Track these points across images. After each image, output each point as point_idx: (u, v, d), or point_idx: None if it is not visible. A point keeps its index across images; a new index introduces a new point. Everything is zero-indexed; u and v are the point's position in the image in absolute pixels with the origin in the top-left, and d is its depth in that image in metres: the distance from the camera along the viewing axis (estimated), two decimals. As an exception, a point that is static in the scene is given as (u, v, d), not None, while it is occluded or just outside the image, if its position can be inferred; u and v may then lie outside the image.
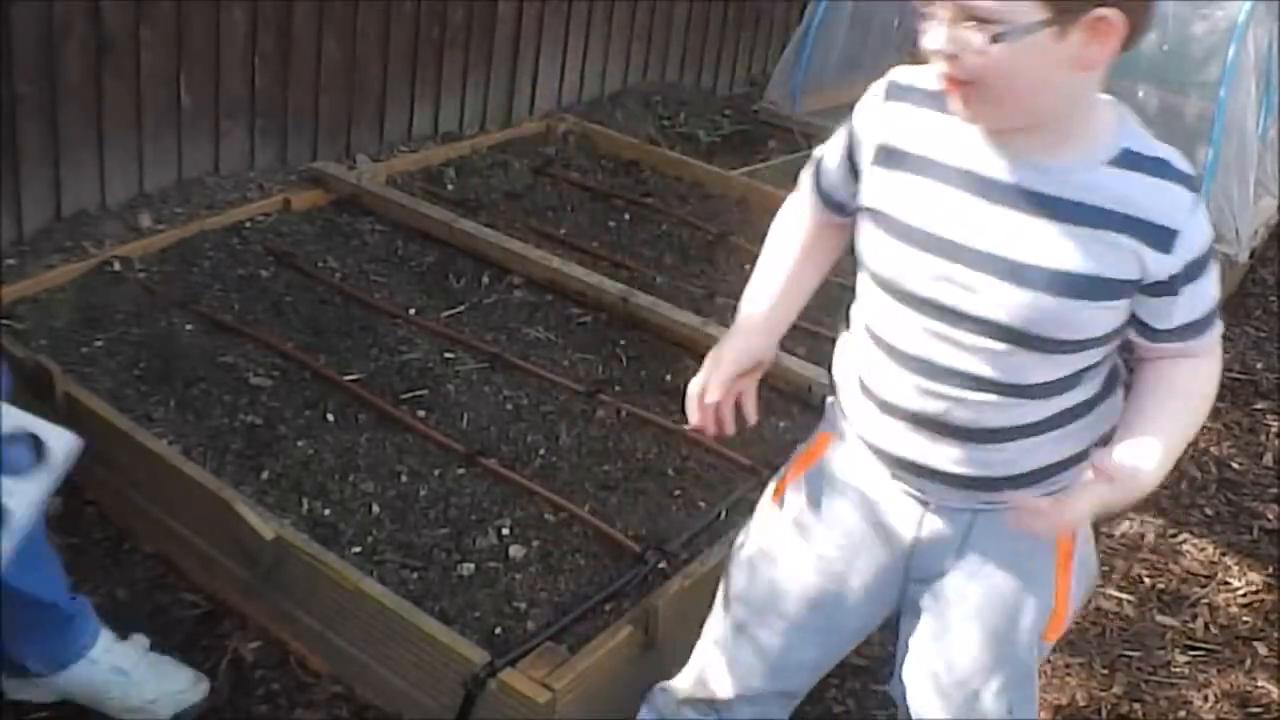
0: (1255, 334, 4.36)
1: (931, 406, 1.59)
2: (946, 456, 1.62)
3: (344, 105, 4.13)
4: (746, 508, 2.54)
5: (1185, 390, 1.63)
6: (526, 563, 2.32)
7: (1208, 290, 1.56)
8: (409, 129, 4.38)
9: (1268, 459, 3.59)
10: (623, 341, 3.11)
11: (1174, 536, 3.18)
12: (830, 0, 5.22)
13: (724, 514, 2.52)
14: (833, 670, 2.56)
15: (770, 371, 2.95)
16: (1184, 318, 1.56)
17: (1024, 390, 1.58)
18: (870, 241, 1.62)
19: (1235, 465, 3.53)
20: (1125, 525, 3.19)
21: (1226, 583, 3.03)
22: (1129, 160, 1.51)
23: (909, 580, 1.75)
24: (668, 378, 2.97)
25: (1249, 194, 4.42)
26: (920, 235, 1.55)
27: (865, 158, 1.66)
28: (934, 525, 1.69)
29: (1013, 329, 1.52)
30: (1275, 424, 3.78)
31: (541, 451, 2.64)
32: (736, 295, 3.38)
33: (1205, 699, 2.65)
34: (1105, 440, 1.64)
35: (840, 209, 1.74)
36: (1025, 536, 1.59)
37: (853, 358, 1.70)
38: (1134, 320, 1.57)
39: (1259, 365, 4.13)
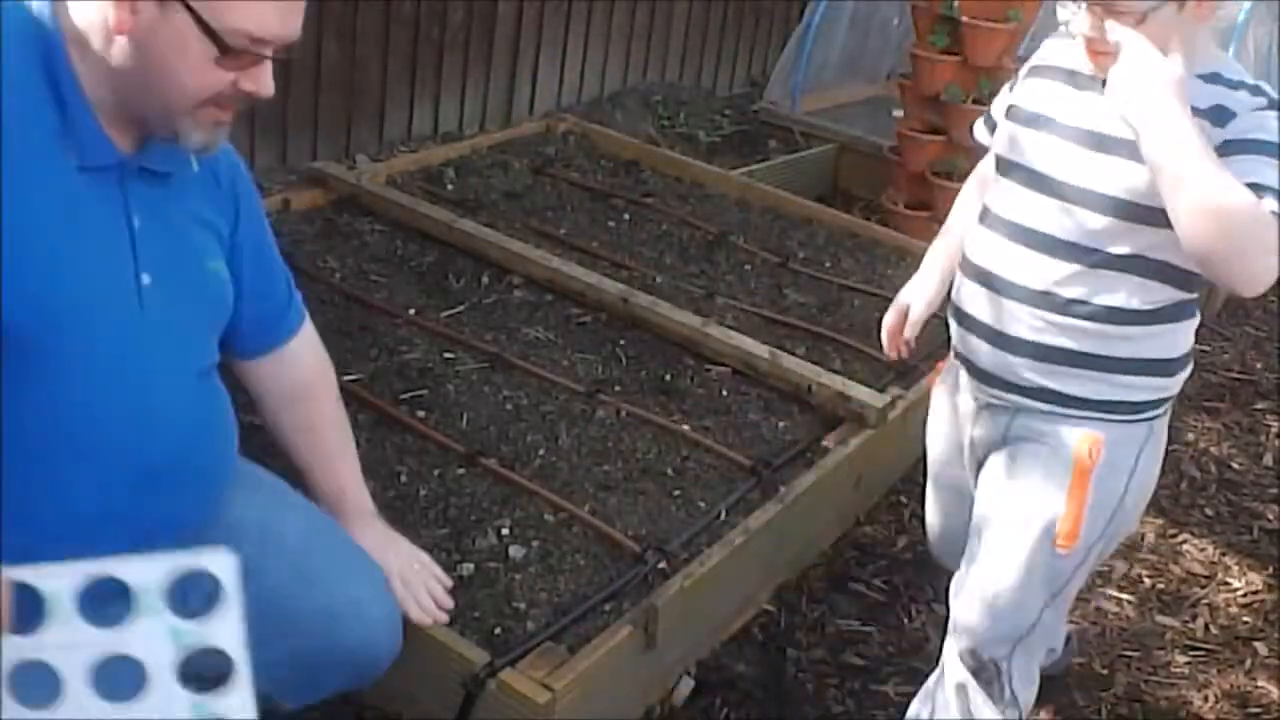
0: (1255, 334, 4.37)
1: (1005, 266, 1.93)
2: (1008, 321, 1.94)
3: (344, 105, 4.13)
4: (746, 508, 2.54)
5: (1210, 159, 1.66)
6: (526, 563, 2.31)
7: (1264, 169, 1.67)
8: (409, 129, 4.39)
9: (1268, 459, 3.59)
10: (622, 341, 3.11)
11: (1174, 537, 3.18)
12: (830, 0, 5.23)
13: (724, 514, 2.52)
14: (833, 670, 2.57)
15: (770, 371, 2.97)
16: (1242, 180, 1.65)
17: (1106, 260, 1.83)
18: (1006, 131, 1.99)
19: (1235, 465, 3.53)
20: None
21: (1226, 583, 3.03)
22: (1214, 78, 1.77)
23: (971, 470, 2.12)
24: (667, 378, 2.97)
25: (1249, 194, 4.43)
26: (1050, 120, 1.89)
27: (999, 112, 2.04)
28: (986, 423, 2.04)
29: (1118, 199, 1.80)
30: (1275, 424, 3.78)
31: (541, 451, 2.63)
32: (736, 295, 3.41)
33: (1205, 699, 2.65)
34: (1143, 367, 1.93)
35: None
36: (1053, 446, 1.93)
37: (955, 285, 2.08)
38: None
39: (1259, 365, 4.14)
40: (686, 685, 2.44)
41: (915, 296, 2.22)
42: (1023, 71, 2.04)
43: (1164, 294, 1.87)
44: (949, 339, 2.12)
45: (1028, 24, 4.31)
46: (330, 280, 3.20)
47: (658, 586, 2.28)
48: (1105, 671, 2.69)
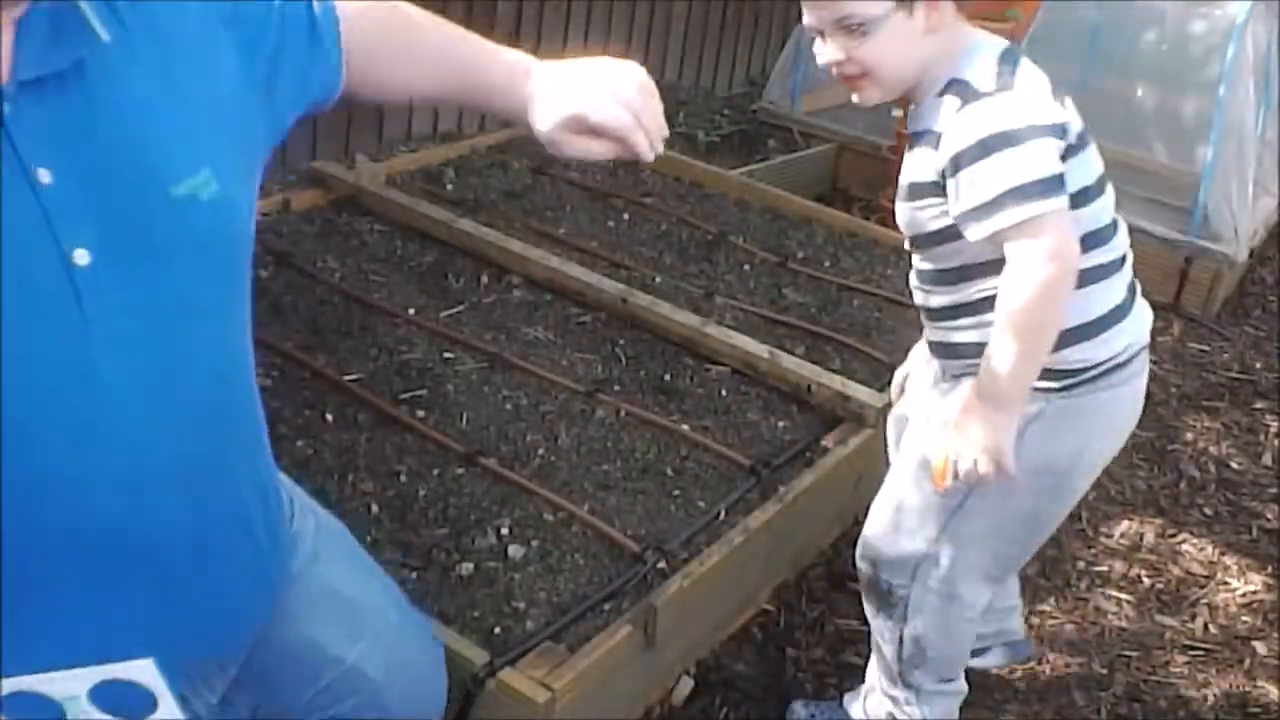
0: (1254, 334, 4.37)
1: (917, 295, 2.09)
2: (929, 329, 2.10)
3: (343, 105, 4.12)
4: (745, 507, 2.54)
5: (998, 314, 1.84)
6: (525, 562, 2.31)
7: (985, 179, 1.77)
8: (408, 129, 4.38)
9: (1267, 459, 3.59)
10: (622, 341, 3.11)
11: (1173, 537, 3.18)
12: (829, 0, 5.22)
13: (723, 514, 2.52)
14: (832, 669, 2.57)
15: (769, 371, 2.97)
16: (965, 204, 1.80)
17: (933, 277, 1.99)
18: None
19: (1234, 465, 3.53)
20: (1124, 525, 3.19)
21: (1226, 583, 3.03)
22: (950, 87, 1.84)
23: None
24: (667, 377, 2.97)
25: (1248, 193, 4.43)
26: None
27: None
28: (921, 388, 2.21)
29: (907, 235, 2.00)
30: (1274, 424, 3.78)
31: (540, 451, 2.63)
32: (735, 294, 3.41)
33: (1205, 699, 2.65)
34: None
35: None
36: (952, 393, 2.03)
37: None
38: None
39: (1258, 365, 4.14)
40: (686, 685, 2.44)
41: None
42: None
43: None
44: None
45: (1027, 23, 4.30)
46: (330, 280, 3.20)
47: (657, 586, 2.28)
48: (1105, 671, 2.69)
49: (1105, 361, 1.94)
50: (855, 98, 1.95)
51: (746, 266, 3.63)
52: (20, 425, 1.05)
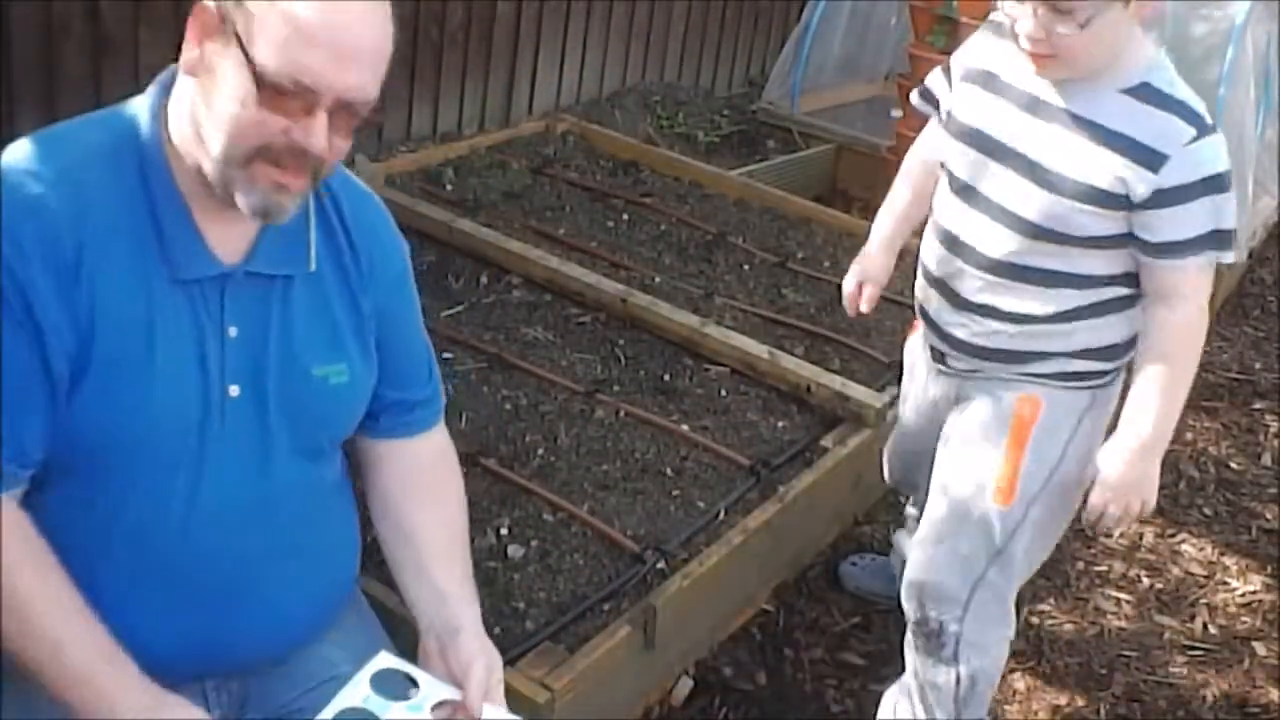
0: (1254, 334, 4.37)
1: (957, 282, 2.00)
2: (956, 322, 2.03)
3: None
4: (745, 507, 2.54)
5: (1162, 347, 1.88)
6: (525, 562, 2.31)
7: (1197, 218, 1.78)
8: (407, 129, 4.38)
9: (1266, 459, 3.59)
10: (621, 341, 3.11)
11: (1172, 537, 3.18)
12: (828, 0, 5.23)
13: (722, 513, 2.52)
14: (831, 669, 2.57)
15: (769, 371, 2.97)
16: (1169, 235, 1.79)
17: (1038, 278, 1.92)
18: (950, 144, 2.03)
19: (1234, 465, 3.53)
20: (1123, 525, 3.19)
21: (1225, 583, 3.03)
22: (1144, 92, 1.79)
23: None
24: (666, 377, 2.97)
25: (1247, 194, 4.43)
26: (976, 133, 1.96)
27: (959, 73, 2.06)
28: (943, 383, 2.15)
29: (1031, 221, 1.88)
30: (1274, 424, 3.78)
31: (540, 451, 2.63)
32: (734, 295, 3.41)
33: (1204, 699, 2.65)
34: (1079, 354, 2.00)
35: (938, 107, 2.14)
36: (994, 407, 2.03)
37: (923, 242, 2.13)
38: (1131, 234, 1.84)
39: (1257, 365, 4.14)
40: (685, 685, 2.44)
41: (871, 275, 2.27)
42: (982, 38, 2.06)
43: (1109, 280, 1.95)
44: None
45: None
46: (329, 280, 3.20)
47: (656, 586, 2.28)
48: (1104, 671, 2.69)
49: (1129, 358, 2.02)
50: (1038, 70, 1.86)
51: (746, 267, 3.63)
52: (145, 492, 1.42)
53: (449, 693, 1.49)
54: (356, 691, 1.46)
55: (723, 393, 2.95)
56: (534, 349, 3.02)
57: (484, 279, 3.32)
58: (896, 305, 3.37)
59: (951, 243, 2.02)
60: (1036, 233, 1.89)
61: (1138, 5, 1.77)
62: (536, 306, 3.22)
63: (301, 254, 1.51)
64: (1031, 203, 1.88)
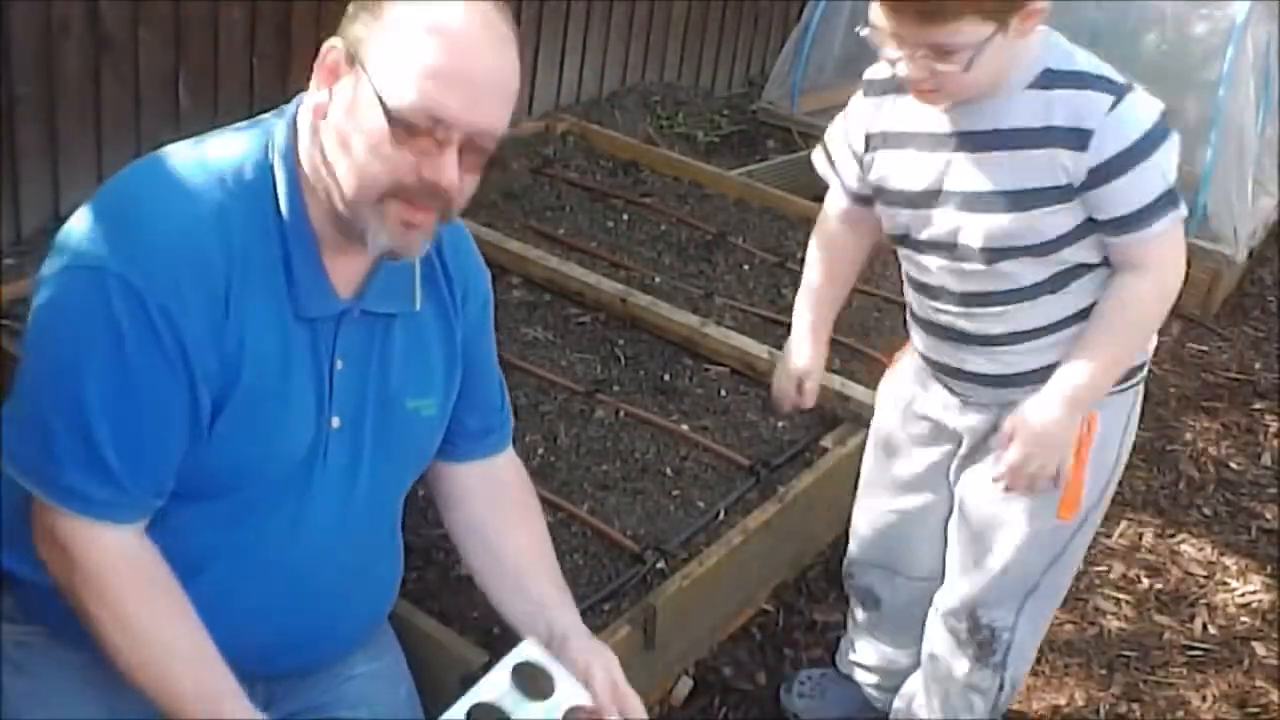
0: (1254, 334, 4.36)
1: (944, 320, 1.93)
2: (969, 359, 1.94)
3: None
4: (744, 507, 2.54)
5: (1114, 315, 1.81)
6: (525, 563, 2.31)
7: (1145, 184, 1.72)
8: (408, 129, 4.38)
9: (1266, 459, 3.59)
10: (621, 341, 3.11)
11: (1172, 537, 3.18)
12: (829, 0, 5.23)
13: (722, 513, 2.52)
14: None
15: (769, 371, 2.97)
16: (1122, 209, 1.73)
17: (1015, 295, 1.84)
18: (879, 209, 1.97)
19: (1233, 465, 3.53)
20: (1123, 525, 3.19)
21: (1225, 583, 3.03)
22: (1048, 79, 1.72)
23: (957, 469, 2.08)
24: (666, 377, 2.97)
25: (1247, 194, 4.43)
26: (904, 194, 1.87)
27: (860, 146, 1.96)
28: (968, 419, 2.01)
29: (987, 248, 1.80)
30: (1274, 424, 3.78)
31: (540, 451, 2.63)
32: (734, 295, 3.41)
33: (1203, 699, 2.65)
34: None
35: (861, 198, 2.04)
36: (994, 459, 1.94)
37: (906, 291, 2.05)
38: (1091, 219, 1.77)
39: (1257, 365, 4.14)
40: (685, 685, 2.44)
41: (807, 369, 2.18)
42: (863, 102, 1.95)
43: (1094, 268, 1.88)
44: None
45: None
46: (329, 280, 3.20)
47: (656, 586, 2.28)
48: (1104, 671, 2.69)
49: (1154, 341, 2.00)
50: (929, 105, 1.79)
51: (746, 267, 3.63)
52: (252, 520, 1.50)
53: (583, 697, 1.53)
54: (497, 683, 1.51)
55: (723, 393, 2.95)
56: (533, 349, 3.02)
57: (484, 279, 3.32)
58: (897, 305, 3.37)
59: (925, 289, 1.95)
60: (1007, 254, 1.81)
61: (1020, 26, 1.66)
62: (536, 306, 3.22)
63: (408, 292, 1.56)
64: (986, 231, 1.80)
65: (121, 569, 1.39)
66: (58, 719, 1.50)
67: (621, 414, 2.79)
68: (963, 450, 2.06)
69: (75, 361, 1.36)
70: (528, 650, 1.56)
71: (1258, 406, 3.87)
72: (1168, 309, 1.83)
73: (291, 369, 1.46)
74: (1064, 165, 1.72)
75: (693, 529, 2.46)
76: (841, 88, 5.52)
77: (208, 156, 1.45)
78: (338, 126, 1.39)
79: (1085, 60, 1.75)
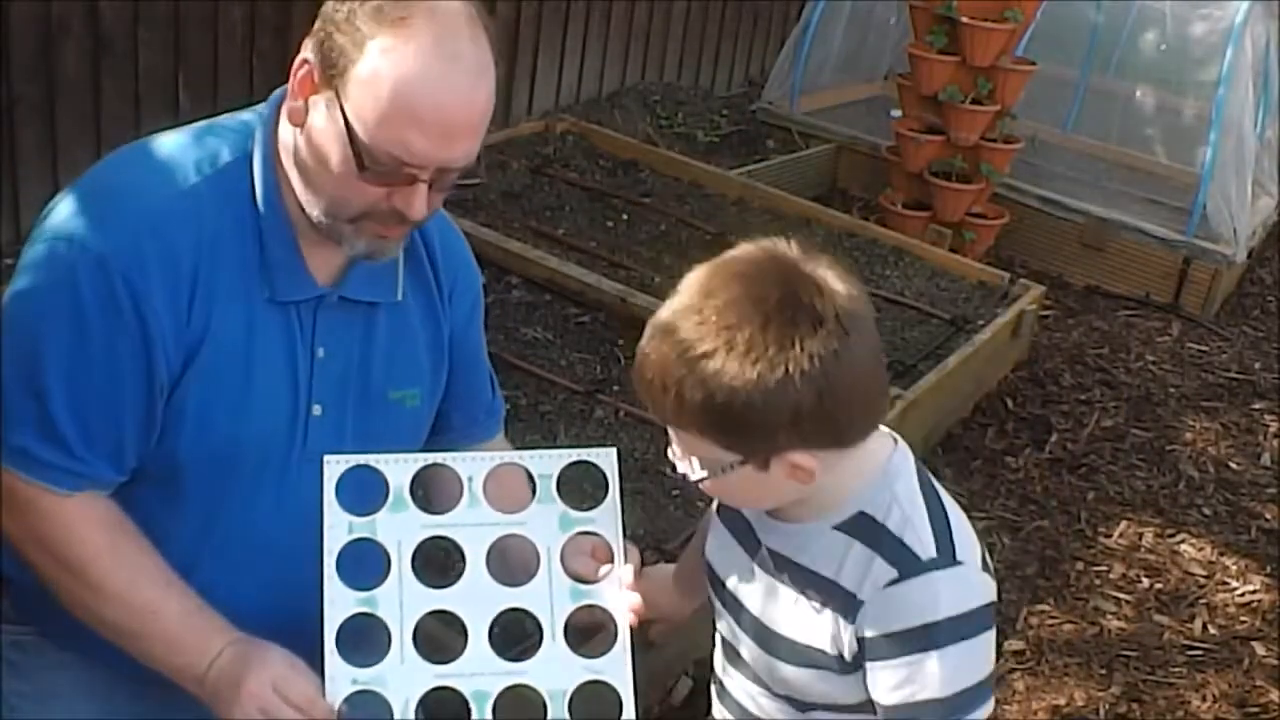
0: (1253, 334, 4.37)
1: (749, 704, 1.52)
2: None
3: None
4: (745, 508, 2.54)
5: None
6: (525, 563, 2.31)
7: (890, 682, 1.34)
8: (407, 129, 4.38)
9: (1265, 459, 3.59)
10: (621, 341, 3.10)
11: (1172, 537, 3.18)
12: (828, 0, 5.23)
13: (722, 514, 2.52)
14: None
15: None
16: (888, 699, 1.35)
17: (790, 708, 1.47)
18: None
19: (1233, 465, 3.53)
20: (1123, 526, 3.19)
21: (1225, 583, 3.03)
22: (856, 525, 1.37)
23: None
24: (666, 378, 2.96)
25: (1246, 194, 4.43)
26: (718, 588, 1.52)
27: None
28: None
29: (790, 697, 1.46)
30: (1273, 424, 3.78)
31: (540, 451, 2.63)
32: (735, 295, 3.40)
33: (1203, 699, 2.65)
34: None
35: None
36: None
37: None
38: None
39: (1257, 365, 4.14)
40: (685, 685, 2.44)
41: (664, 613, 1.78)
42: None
43: None
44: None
45: (1026, 23, 4.31)
46: (329, 280, 3.20)
47: (656, 586, 2.27)
48: (1104, 671, 2.69)
49: None
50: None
51: (746, 267, 3.63)
52: (233, 506, 1.49)
53: (613, 538, 1.55)
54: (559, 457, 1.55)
55: (722, 393, 2.94)
56: (533, 349, 3.02)
57: (483, 279, 3.31)
58: (897, 305, 3.38)
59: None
60: (814, 707, 1.45)
61: (789, 468, 1.30)
62: (536, 306, 3.22)
63: (390, 283, 1.55)
64: (784, 679, 1.44)
65: (85, 535, 1.41)
66: None
67: (621, 414, 2.79)
68: None
69: (36, 325, 1.38)
70: (606, 458, 1.55)
71: (1257, 406, 3.87)
72: None
73: (257, 351, 1.45)
74: (833, 632, 1.38)
75: (692, 529, 2.46)
76: (841, 87, 5.57)
77: (187, 144, 1.47)
78: (312, 144, 1.39)
79: (908, 514, 1.36)
